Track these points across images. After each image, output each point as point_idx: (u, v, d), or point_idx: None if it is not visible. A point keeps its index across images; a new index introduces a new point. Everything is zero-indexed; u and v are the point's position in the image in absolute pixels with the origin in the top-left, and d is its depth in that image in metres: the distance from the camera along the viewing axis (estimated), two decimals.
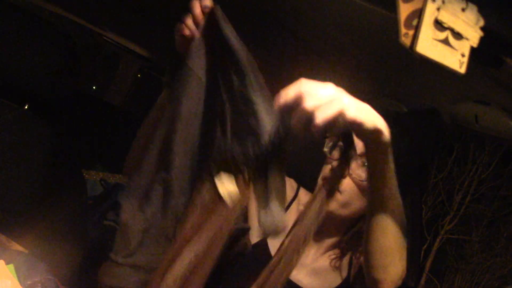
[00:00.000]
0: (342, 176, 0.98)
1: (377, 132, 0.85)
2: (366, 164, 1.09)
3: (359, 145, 1.00)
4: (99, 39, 2.35)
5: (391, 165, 0.92)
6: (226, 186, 0.84)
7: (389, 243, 0.98)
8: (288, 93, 0.79)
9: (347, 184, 1.20)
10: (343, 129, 0.80)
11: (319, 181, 1.24)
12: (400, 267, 1.02)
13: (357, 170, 1.19)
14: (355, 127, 0.82)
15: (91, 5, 1.81)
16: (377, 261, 1.00)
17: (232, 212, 0.84)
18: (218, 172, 0.84)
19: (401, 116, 1.29)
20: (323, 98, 0.78)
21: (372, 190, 0.95)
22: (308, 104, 0.77)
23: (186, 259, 0.80)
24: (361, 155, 1.16)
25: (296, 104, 0.78)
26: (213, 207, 0.84)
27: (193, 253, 0.81)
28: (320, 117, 0.76)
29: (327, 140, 1.26)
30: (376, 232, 0.97)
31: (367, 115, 0.83)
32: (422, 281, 7.07)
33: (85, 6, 1.85)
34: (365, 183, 1.18)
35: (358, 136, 0.86)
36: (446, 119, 1.38)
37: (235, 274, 0.98)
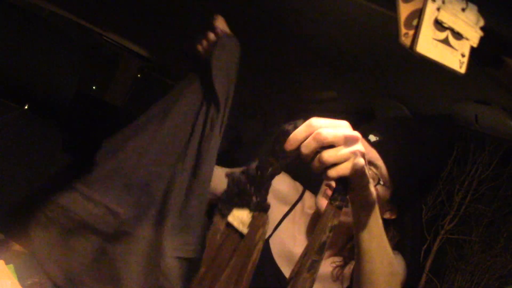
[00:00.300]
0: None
1: (365, 195, 0.85)
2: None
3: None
4: (99, 39, 2.35)
5: (378, 222, 0.91)
6: (237, 215, 0.82)
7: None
8: (302, 135, 0.78)
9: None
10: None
11: (322, 187, 1.24)
12: None
13: (358, 182, 1.18)
14: (356, 183, 0.81)
15: (91, 5, 1.80)
16: None
17: (254, 246, 0.80)
18: (227, 207, 0.82)
19: (412, 123, 1.28)
20: (344, 151, 0.77)
21: (358, 243, 0.94)
22: (326, 156, 0.76)
23: None
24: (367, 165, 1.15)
25: (310, 148, 0.77)
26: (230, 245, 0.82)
27: None
28: (335, 173, 0.77)
29: None
30: (365, 284, 0.96)
31: (365, 176, 0.82)
32: (422, 281, 7.07)
33: (85, 6, 1.85)
34: None
35: (351, 189, 0.84)
36: (445, 119, 1.37)
37: None
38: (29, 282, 1.02)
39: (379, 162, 1.15)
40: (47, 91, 1.46)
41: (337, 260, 1.28)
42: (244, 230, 0.81)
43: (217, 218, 0.82)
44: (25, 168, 1.43)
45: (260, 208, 0.79)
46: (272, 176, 0.79)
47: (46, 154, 1.49)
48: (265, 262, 1.13)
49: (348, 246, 1.28)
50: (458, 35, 0.83)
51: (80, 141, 2.07)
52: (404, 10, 0.79)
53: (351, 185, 0.80)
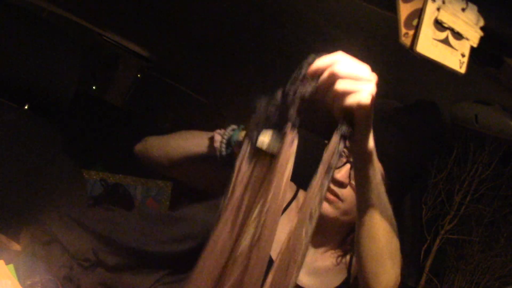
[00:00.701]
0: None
1: (367, 138, 0.87)
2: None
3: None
4: (99, 39, 2.35)
5: (377, 173, 0.92)
6: (264, 139, 0.84)
7: (379, 249, 0.97)
8: (324, 62, 0.82)
9: (348, 192, 1.20)
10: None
11: None
12: (393, 275, 1.00)
13: None
14: (359, 121, 0.84)
15: (91, 5, 1.80)
16: (368, 268, 0.99)
17: (286, 162, 0.82)
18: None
19: (397, 112, 1.28)
20: (355, 84, 0.81)
21: (359, 196, 0.95)
22: (339, 84, 0.80)
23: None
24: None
25: (329, 77, 0.81)
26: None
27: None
28: (342, 102, 0.81)
29: (325, 148, 1.26)
30: (364, 238, 0.96)
31: (369, 116, 0.84)
32: (422, 281, 7.07)
33: (85, 6, 1.85)
34: None
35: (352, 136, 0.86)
36: (445, 119, 1.37)
37: None
38: (29, 282, 1.02)
39: None
40: (47, 91, 1.46)
41: (335, 253, 1.28)
42: (274, 150, 0.83)
43: (245, 144, 0.86)
44: (25, 168, 1.43)
45: (288, 129, 0.82)
46: (296, 100, 0.82)
47: (46, 154, 1.49)
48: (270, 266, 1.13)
49: (347, 240, 1.28)
50: (458, 35, 0.83)
51: (80, 141, 2.07)
52: (404, 10, 0.79)
53: (355, 123, 0.83)
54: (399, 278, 1.03)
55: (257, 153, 0.84)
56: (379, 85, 0.84)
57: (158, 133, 1.31)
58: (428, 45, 0.81)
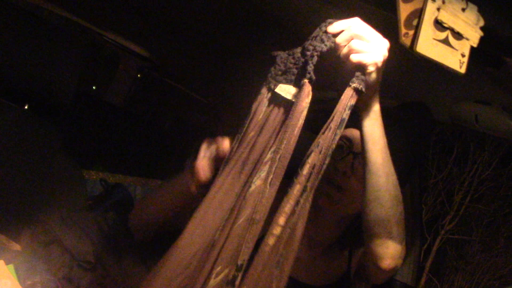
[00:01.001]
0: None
1: (374, 99, 0.94)
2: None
3: (359, 143, 1.01)
4: (99, 39, 2.35)
5: (383, 135, 0.97)
6: (283, 87, 0.89)
7: (385, 213, 0.99)
8: (343, 23, 0.88)
9: (347, 182, 1.20)
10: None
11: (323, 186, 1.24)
12: (399, 243, 1.02)
13: (360, 168, 1.19)
14: (370, 80, 0.89)
15: (91, 5, 1.80)
16: (375, 233, 1.01)
17: (300, 112, 0.85)
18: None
19: (390, 111, 1.30)
20: (369, 45, 0.87)
21: (366, 157, 0.98)
22: (355, 43, 0.86)
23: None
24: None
25: (346, 36, 0.87)
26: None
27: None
28: (356, 58, 0.86)
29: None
30: (371, 201, 0.99)
31: (379, 76, 0.91)
32: (422, 281, 7.07)
33: (85, 6, 1.85)
34: None
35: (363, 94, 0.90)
36: (445, 119, 1.37)
37: None
38: (29, 282, 1.02)
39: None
40: (47, 91, 1.46)
41: (336, 248, 1.29)
42: (292, 97, 0.87)
43: (264, 90, 0.91)
44: (25, 168, 1.43)
45: (305, 81, 0.86)
46: (314, 56, 0.87)
47: (46, 154, 1.49)
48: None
49: (346, 235, 1.28)
50: (458, 35, 0.83)
51: (80, 141, 2.07)
52: (404, 10, 0.79)
53: (366, 80, 0.88)
54: (405, 248, 1.06)
55: (275, 99, 0.89)
56: (389, 53, 0.88)
57: (158, 133, 1.31)
58: (428, 45, 0.81)
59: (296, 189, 0.81)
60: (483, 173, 7.59)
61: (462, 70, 0.84)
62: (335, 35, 0.88)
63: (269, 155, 0.85)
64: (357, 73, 0.87)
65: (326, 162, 0.84)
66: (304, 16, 1.20)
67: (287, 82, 0.90)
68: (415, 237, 1.78)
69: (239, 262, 0.79)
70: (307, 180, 0.82)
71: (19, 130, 1.44)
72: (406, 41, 0.80)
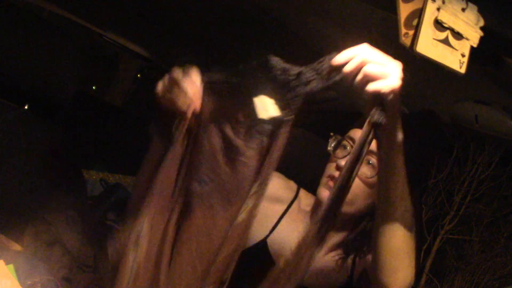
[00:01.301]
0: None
1: (398, 125, 0.88)
2: (370, 162, 1.10)
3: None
4: (99, 39, 2.35)
5: (403, 166, 0.92)
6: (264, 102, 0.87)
7: (399, 245, 0.96)
8: (351, 52, 0.85)
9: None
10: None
11: (324, 179, 1.24)
12: (409, 273, 1.00)
13: (363, 168, 1.19)
14: (389, 107, 0.85)
15: (91, 5, 1.80)
16: (386, 264, 0.98)
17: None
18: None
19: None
20: (384, 69, 0.83)
21: (382, 190, 0.94)
22: (369, 68, 0.83)
23: None
24: (368, 153, 1.17)
25: (358, 63, 0.84)
26: None
27: None
28: (373, 87, 0.83)
29: (330, 140, 1.27)
30: (386, 233, 0.96)
31: (398, 101, 0.86)
32: (422, 281, 7.06)
33: (85, 6, 1.85)
34: (370, 180, 1.18)
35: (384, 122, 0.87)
36: (445, 119, 1.37)
37: (234, 274, 0.98)
38: (29, 282, 1.02)
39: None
40: (47, 91, 1.46)
41: (339, 252, 1.28)
42: (268, 115, 0.86)
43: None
44: (25, 168, 1.43)
45: (289, 119, 0.85)
46: (305, 86, 0.84)
47: (46, 154, 1.49)
48: (263, 262, 1.13)
49: (349, 238, 1.28)
50: (458, 35, 0.83)
51: (80, 141, 2.07)
52: (404, 10, 0.79)
53: (386, 109, 0.84)
54: (413, 279, 1.03)
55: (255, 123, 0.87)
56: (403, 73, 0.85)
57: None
58: (428, 45, 0.81)
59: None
60: (483, 173, 7.58)
61: (462, 70, 0.84)
62: (342, 66, 0.84)
63: (254, 189, 0.87)
64: (376, 107, 0.84)
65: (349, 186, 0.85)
66: (305, 17, 1.20)
67: (272, 92, 0.86)
68: (415, 237, 1.78)
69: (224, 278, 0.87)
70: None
71: (19, 130, 1.44)
72: (406, 41, 0.80)
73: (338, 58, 0.85)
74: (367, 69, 0.83)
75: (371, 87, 0.83)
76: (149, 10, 1.62)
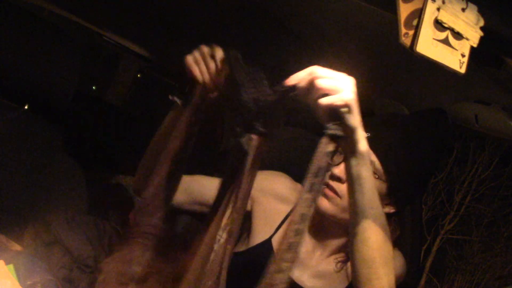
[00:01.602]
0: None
1: (358, 137, 0.89)
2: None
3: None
4: (99, 39, 2.35)
5: (370, 175, 0.93)
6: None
7: (371, 254, 0.96)
8: (302, 72, 0.87)
9: (345, 189, 1.20)
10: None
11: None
12: (386, 282, 0.99)
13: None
14: (346, 121, 0.86)
15: (91, 5, 1.80)
16: (361, 274, 0.98)
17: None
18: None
19: (405, 119, 1.29)
20: (336, 83, 0.85)
21: (351, 199, 0.95)
22: (320, 82, 0.85)
23: None
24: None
25: (309, 80, 0.86)
26: None
27: None
28: (326, 101, 0.84)
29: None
30: (357, 243, 0.96)
31: (357, 120, 0.87)
32: (422, 281, 7.06)
33: (85, 6, 1.85)
34: None
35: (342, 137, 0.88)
36: (451, 118, 1.37)
37: (237, 275, 0.98)
38: (29, 282, 1.02)
39: (373, 157, 1.18)
40: (47, 91, 1.46)
41: (339, 256, 1.28)
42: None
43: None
44: (25, 168, 1.43)
45: (253, 137, 0.86)
46: (265, 107, 0.86)
47: (46, 154, 1.49)
48: (268, 261, 1.12)
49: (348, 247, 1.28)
50: (458, 35, 0.83)
51: (80, 141, 2.07)
52: (404, 10, 0.79)
53: (342, 124, 0.85)
54: (393, 286, 1.01)
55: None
56: (361, 87, 0.86)
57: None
58: (428, 45, 0.81)
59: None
60: (483, 173, 7.59)
61: (462, 70, 0.84)
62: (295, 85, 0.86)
63: (228, 212, 0.87)
64: (332, 117, 0.85)
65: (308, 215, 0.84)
66: (305, 17, 1.20)
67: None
68: (415, 237, 1.78)
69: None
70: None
71: (19, 130, 1.44)
72: (406, 41, 0.80)
73: (291, 78, 0.87)
74: (319, 83, 0.85)
75: (324, 101, 0.84)
76: (149, 10, 1.63)
